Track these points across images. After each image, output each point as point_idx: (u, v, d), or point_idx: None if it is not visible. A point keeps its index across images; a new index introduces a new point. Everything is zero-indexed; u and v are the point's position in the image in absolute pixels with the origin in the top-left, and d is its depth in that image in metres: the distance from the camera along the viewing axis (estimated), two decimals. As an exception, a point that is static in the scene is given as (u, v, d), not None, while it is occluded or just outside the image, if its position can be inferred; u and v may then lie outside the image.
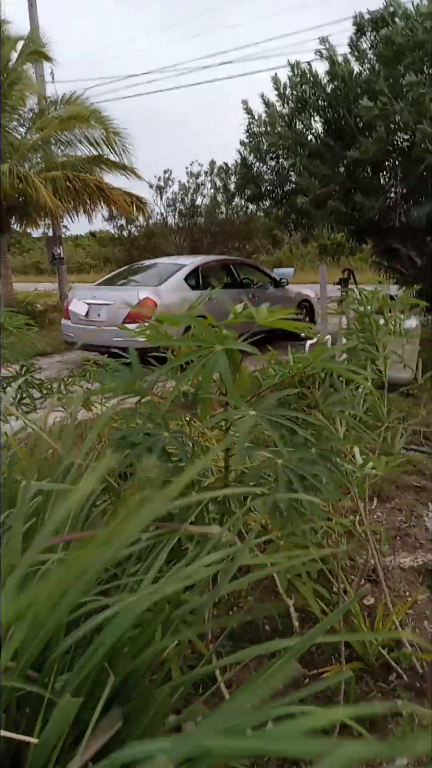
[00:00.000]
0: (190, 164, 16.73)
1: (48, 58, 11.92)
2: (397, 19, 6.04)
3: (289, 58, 7.01)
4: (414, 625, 2.05)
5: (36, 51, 11.54)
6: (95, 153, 12.33)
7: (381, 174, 6.53)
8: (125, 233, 17.81)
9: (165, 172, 16.84)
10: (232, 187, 8.64)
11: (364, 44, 6.43)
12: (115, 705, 0.87)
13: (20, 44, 11.65)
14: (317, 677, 1.86)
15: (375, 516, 2.86)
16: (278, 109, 7.13)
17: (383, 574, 2.13)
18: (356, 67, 6.45)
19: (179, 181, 16.93)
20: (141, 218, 15.42)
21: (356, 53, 6.42)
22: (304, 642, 0.88)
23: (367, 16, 6.38)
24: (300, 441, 1.17)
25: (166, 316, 1.37)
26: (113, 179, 13.47)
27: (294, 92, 6.87)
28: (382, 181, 6.57)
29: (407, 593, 2.22)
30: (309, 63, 6.72)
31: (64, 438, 1.59)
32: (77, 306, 7.66)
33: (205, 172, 16.45)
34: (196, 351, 1.10)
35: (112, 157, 12.28)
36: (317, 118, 6.81)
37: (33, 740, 0.72)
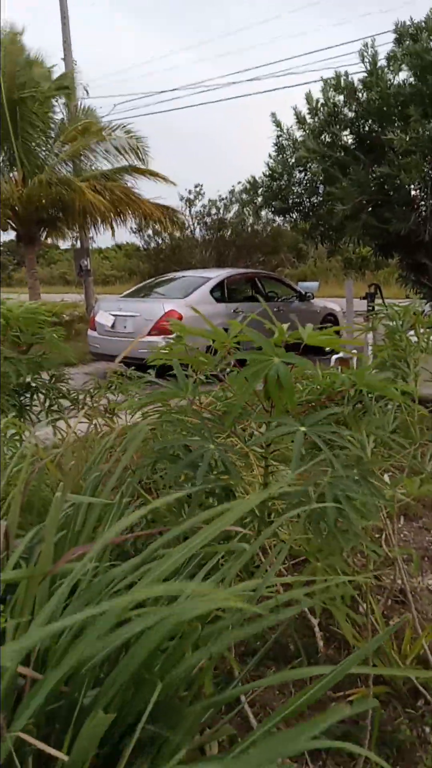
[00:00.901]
0: (238, 183, 16.85)
1: (71, 98, 12.14)
2: (424, 34, 6.03)
3: (322, 75, 7.07)
4: (443, 650, 1.99)
5: (65, 86, 11.81)
6: (124, 163, 12.47)
7: (411, 188, 6.49)
8: (152, 245, 17.98)
9: (196, 186, 17.00)
10: (258, 200, 8.69)
11: (400, 54, 6.39)
12: (146, 722, 0.86)
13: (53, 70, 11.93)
14: (342, 699, 1.82)
15: (402, 535, 2.80)
16: (309, 121, 7.15)
17: (411, 595, 2.08)
18: (392, 78, 6.41)
19: (209, 199, 17.10)
20: (176, 232, 15.53)
21: (392, 64, 6.38)
22: (338, 673, 0.86)
23: (408, 24, 6.35)
24: (342, 460, 1.16)
25: (189, 328, 1.37)
26: (144, 191, 13.60)
27: (326, 104, 6.88)
28: (412, 194, 6.53)
29: (436, 616, 2.16)
30: (346, 72, 6.72)
31: (92, 450, 1.59)
32: (103, 317, 7.74)
33: (236, 191, 16.58)
34: (254, 363, 1.11)
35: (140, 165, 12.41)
36: (347, 131, 6.81)
37: (64, 757, 0.72)
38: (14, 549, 1.05)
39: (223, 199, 16.88)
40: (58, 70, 12.46)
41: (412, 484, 1.49)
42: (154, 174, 12.35)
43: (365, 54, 6.42)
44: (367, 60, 6.44)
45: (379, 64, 6.37)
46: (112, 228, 12.25)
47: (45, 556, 0.92)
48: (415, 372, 1.85)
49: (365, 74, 6.47)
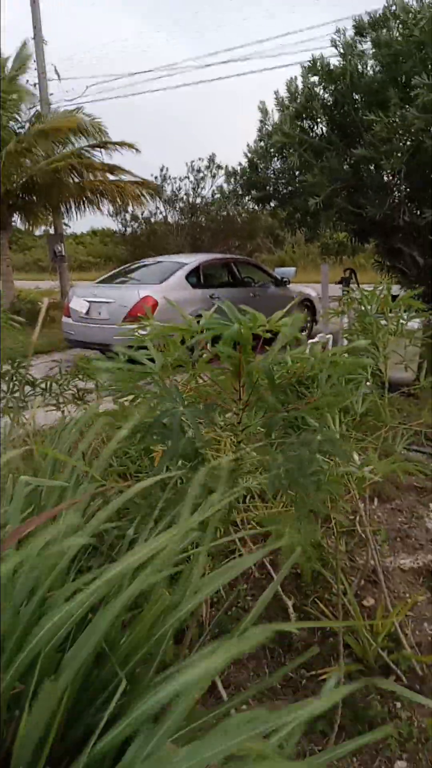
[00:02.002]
0: (191, 162, 16.73)
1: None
2: (392, 22, 6.03)
3: (313, 53, 6.99)
4: (414, 627, 2.03)
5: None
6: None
7: (385, 173, 6.50)
8: (128, 229, 17.79)
9: (161, 169, 16.80)
10: (238, 189, 8.66)
11: (364, 45, 6.40)
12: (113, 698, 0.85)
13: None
14: (315, 678, 1.84)
15: (375, 517, 2.84)
16: (288, 107, 7.12)
17: (383, 575, 2.11)
18: (359, 67, 6.42)
19: (178, 177, 16.93)
20: (153, 205, 15.34)
21: (355, 56, 6.39)
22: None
23: (366, 18, 6.36)
24: (300, 440, 1.16)
25: (167, 326, 1.36)
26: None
27: (304, 87, 6.85)
28: (386, 179, 6.54)
29: (407, 594, 2.20)
30: (321, 55, 6.69)
31: (61, 437, 1.57)
32: (78, 304, 7.65)
33: (206, 167, 16.44)
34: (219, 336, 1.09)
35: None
36: (322, 115, 6.79)
37: None
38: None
39: (188, 177, 16.73)
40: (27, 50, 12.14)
41: (382, 465, 1.49)
42: (117, 144, 12.08)
43: (337, 41, 6.40)
44: (339, 45, 6.42)
45: (352, 49, 6.37)
46: (97, 205, 12.02)
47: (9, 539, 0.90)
48: (384, 355, 1.85)
49: (338, 60, 6.46)
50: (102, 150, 12.08)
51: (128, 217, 17.31)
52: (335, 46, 6.45)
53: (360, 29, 6.43)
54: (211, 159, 16.15)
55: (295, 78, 7.08)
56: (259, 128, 7.81)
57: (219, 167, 15.68)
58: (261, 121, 7.70)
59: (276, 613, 2.06)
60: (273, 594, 1.41)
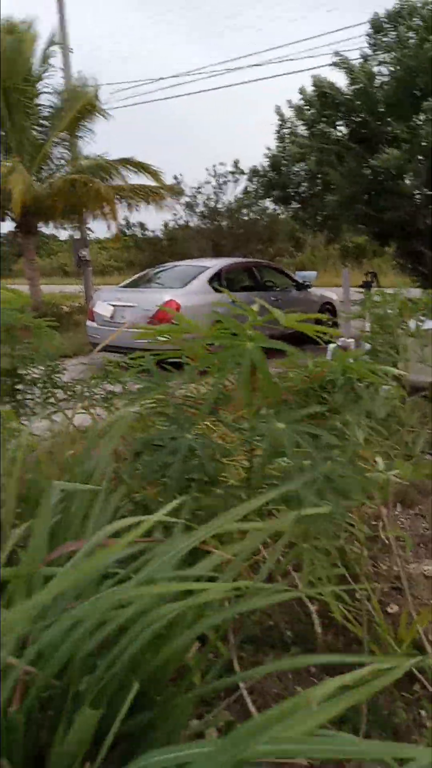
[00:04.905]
0: (213, 166, 16.75)
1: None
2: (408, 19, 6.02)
3: (313, 74, 7.03)
4: (438, 634, 2.00)
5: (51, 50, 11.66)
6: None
7: (405, 178, 6.47)
8: (148, 233, 17.90)
9: (175, 177, 16.80)
10: (259, 190, 8.69)
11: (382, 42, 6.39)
12: (138, 710, 0.87)
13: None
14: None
15: (398, 522, 2.81)
16: (306, 113, 7.15)
17: (407, 581, 2.10)
18: (376, 69, 6.43)
19: (198, 181, 16.96)
20: (176, 205, 15.40)
21: (375, 53, 6.39)
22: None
23: (383, 17, 6.36)
24: (323, 445, 1.16)
25: (184, 321, 1.37)
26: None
27: (319, 96, 6.88)
28: (408, 182, 6.51)
29: (431, 601, 2.18)
30: (326, 73, 6.76)
31: (88, 440, 1.60)
32: (102, 308, 7.73)
33: (231, 172, 16.45)
34: (225, 350, 1.10)
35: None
36: (340, 122, 6.81)
37: None
38: (7, 539, 1.05)
39: (208, 183, 16.75)
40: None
41: (406, 468, 1.49)
42: (149, 170, 12.21)
43: (337, 62, 6.45)
44: (343, 68, 6.47)
45: (360, 59, 6.41)
46: (113, 215, 12.13)
47: (36, 550, 0.93)
48: (404, 358, 1.85)
49: (347, 71, 6.50)
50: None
51: (140, 223, 17.40)
52: (337, 67, 6.48)
53: (377, 27, 6.43)
54: (235, 164, 16.16)
55: (304, 87, 7.11)
56: (277, 131, 7.83)
57: (242, 172, 15.66)
58: (280, 123, 7.72)
59: (299, 618, 2.06)
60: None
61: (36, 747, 0.88)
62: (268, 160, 8.10)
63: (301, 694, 0.81)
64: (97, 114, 12.04)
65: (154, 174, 12.25)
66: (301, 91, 7.08)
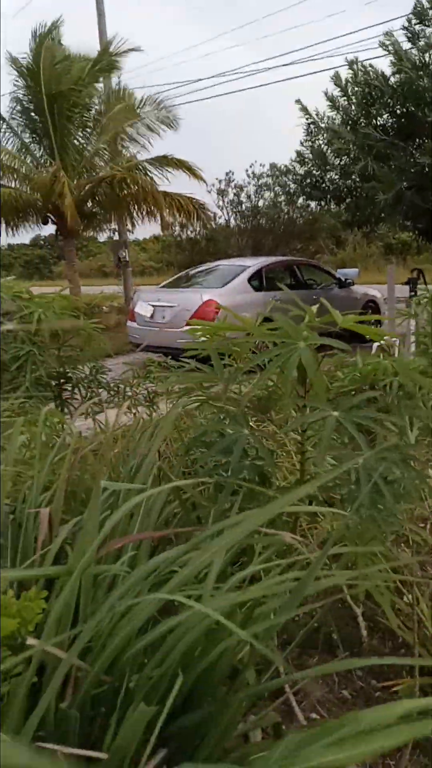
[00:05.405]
0: (251, 165, 16.75)
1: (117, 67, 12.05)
2: None
3: (347, 57, 6.86)
4: None
5: (108, 62, 11.74)
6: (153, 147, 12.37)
7: None
8: (184, 236, 18.02)
9: (226, 174, 16.92)
10: (291, 187, 8.60)
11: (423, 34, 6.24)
12: (189, 710, 0.86)
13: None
14: (387, 689, 1.79)
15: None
16: (343, 104, 7.02)
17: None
18: (419, 58, 6.27)
19: (237, 184, 17.01)
20: (198, 226, 15.48)
21: (415, 42, 6.23)
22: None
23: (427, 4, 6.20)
24: (381, 444, 1.13)
25: (224, 324, 1.36)
26: (176, 183, 13.52)
27: (358, 89, 6.75)
28: None
29: None
30: (369, 62, 6.62)
31: (132, 439, 1.60)
32: (142, 308, 7.80)
33: (267, 174, 16.42)
34: (277, 347, 1.09)
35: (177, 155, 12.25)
36: (385, 116, 6.67)
37: (103, 755, 0.72)
38: (57, 535, 1.06)
39: (250, 183, 16.77)
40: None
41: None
42: (186, 166, 12.19)
43: (386, 43, 6.30)
44: (390, 47, 6.31)
45: (404, 47, 6.25)
46: (161, 218, 12.18)
47: (85, 547, 0.93)
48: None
49: (392, 59, 6.34)
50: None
51: (179, 227, 17.47)
52: (386, 49, 6.33)
53: (421, 16, 6.28)
54: (273, 165, 16.14)
55: (338, 73, 6.94)
56: (306, 128, 7.71)
57: (281, 172, 15.65)
58: (307, 120, 7.59)
59: (346, 622, 2.02)
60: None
61: (89, 743, 0.89)
62: (297, 155, 8.00)
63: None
64: (139, 120, 12.12)
65: (191, 170, 12.23)
66: (336, 79, 6.94)
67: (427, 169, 6.31)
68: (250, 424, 1.74)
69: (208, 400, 1.31)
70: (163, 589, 0.89)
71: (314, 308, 1.34)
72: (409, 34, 6.43)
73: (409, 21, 6.40)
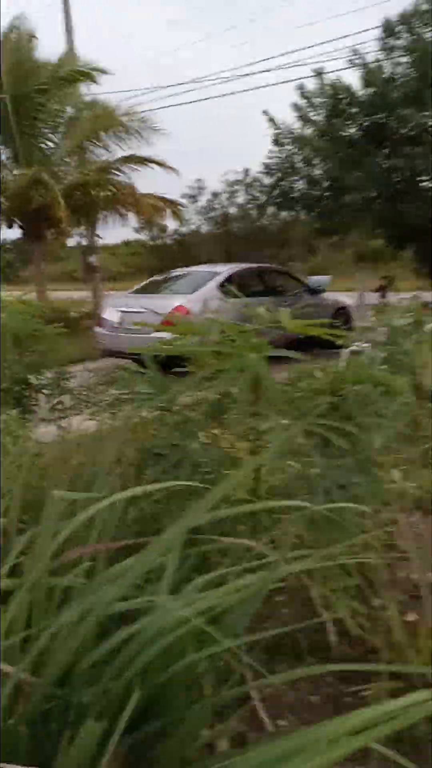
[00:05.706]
0: (225, 173, 16.82)
1: (90, 77, 11.90)
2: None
3: (314, 69, 6.96)
4: (458, 644, 1.95)
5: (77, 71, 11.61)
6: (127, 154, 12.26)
7: (423, 179, 6.42)
8: (158, 242, 17.99)
9: (196, 180, 16.95)
10: (260, 197, 8.68)
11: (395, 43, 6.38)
12: (149, 721, 0.83)
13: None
14: (355, 694, 1.78)
15: (417, 530, 2.76)
16: (312, 117, 7.12)
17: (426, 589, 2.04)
18: (389, 69, 6.41)
19: (212, 191, 17.07)
20: (176, 224, 15.46)
21: (388, 54, 6.36)
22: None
23: (396, 19, 6.35)
24: (334, 452, 1.13)
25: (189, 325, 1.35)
26: (147, 184, 13.40)
27: (326, 101, 6.85)
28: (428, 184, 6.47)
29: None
30: (335, 73, 6.73)
31: (93, 447, 1.57)
32: (111, 314, 7.74)
33: (239, 181, 16.52)
34: (227, 359, 1.07)
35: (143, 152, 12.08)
36: (352, 129, 6.78)
37: None
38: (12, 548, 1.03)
39: (223, 192, 16.85)
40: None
41: (425, 476, 1.45)
42: (154, 161, 12.06)
43: (355, 62, 6.43)
44: (358, 66, 6.44)
45: (374, 58, 6.38)
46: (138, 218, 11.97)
47: (40, 558, 0.90)
48: (419, 365, 1.81)
49: (362, 71, 6.47)
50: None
51: (155, 231, 17.44)
52: (353, 65, 6.44)
53: (390, 29, 6.42)
54: (246, 172, 16.24)
55: (303, 85, 7.03)
56: (273, 137, 7.78)
57: (255, 181, 15.76)
58: (275, 131, 7.66)
59: (312, 626, 2.01)
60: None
61: (40, 758, 0.85)
62: (264, 166, 8.08)
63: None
64: (114, 124, 12.00)
65: (160, 164, 12.11)
66: (301, 90, 7.03)
67: (398, 177, 6.43)
68: (213, 432, 1.73)
69: (167, 409, 1.29)
70: (117, 595, 0.86)
71: (286, 312, 1.33)
72: (382, 48, 6.57)
73: (385, 32, 6.53)
